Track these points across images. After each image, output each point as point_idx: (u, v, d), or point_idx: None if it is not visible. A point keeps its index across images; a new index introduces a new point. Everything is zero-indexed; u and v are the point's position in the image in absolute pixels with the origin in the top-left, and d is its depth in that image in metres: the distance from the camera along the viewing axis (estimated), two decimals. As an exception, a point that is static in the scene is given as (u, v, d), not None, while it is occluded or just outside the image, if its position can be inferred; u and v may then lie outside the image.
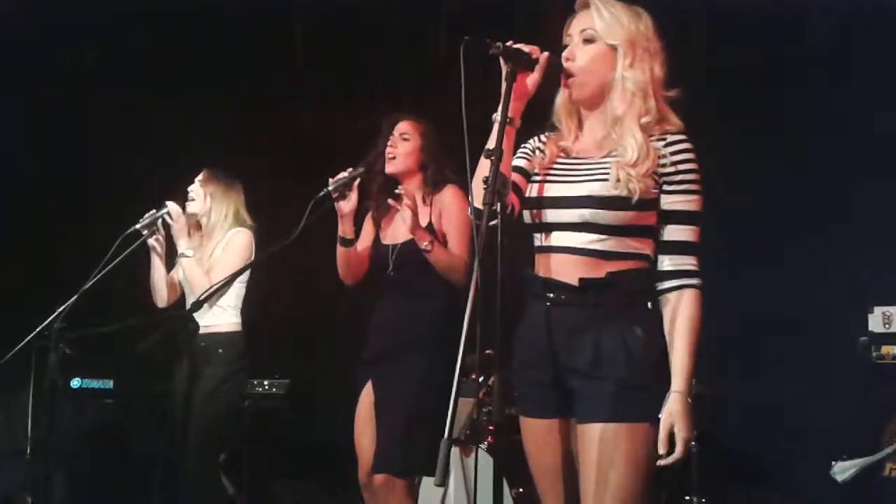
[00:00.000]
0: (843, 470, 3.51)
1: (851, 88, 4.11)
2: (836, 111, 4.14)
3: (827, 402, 4.02)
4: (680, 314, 2.11)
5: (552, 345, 2.14)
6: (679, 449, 2.05)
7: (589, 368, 2.10)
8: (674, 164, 2.12)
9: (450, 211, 3.37)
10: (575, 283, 2.12)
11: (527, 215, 2.22)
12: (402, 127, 3.45)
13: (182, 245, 3.78)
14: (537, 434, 2.21)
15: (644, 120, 2.13)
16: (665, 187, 2.12)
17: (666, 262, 2.14)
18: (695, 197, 2.13)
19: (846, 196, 4.12)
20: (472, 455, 3.83)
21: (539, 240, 2.22)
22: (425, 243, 3.20)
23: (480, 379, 4.11)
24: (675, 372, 2.09)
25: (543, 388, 2.17)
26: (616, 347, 2.09)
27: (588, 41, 2.18)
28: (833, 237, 4.12)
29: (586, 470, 2.09)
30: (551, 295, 2.15)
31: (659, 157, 2.11)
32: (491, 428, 3.95)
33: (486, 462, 3.59)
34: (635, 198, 2.08)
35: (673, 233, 2.14)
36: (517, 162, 2.24)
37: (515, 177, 2.21)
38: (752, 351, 4.26)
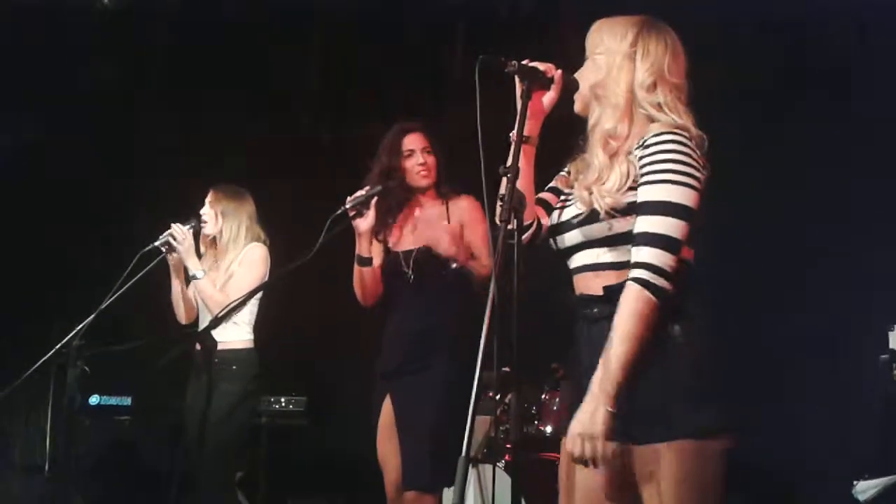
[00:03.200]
0: (864, 489, 3.47)
1: (872, 105, 4.09)
2: (857, 125, 4.12)
3: (848, 420, 3.98)
4: (617, 312, 1.93)
5: (592, 363, 2.03)
6: (570, 444, 1.94)
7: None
8: (643, 157, 2.02)
9: (472, 223, 3.38)
10: (600, 293, 2.08)
11: (553, 243, 2.22)
12: (421, 141, 3.44)
13: (192, 266, 3.79)
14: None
15: (607, 127, 2.09)
16: (638, 183, 2.02)
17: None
18: (662, 186, 1.96)
19: (867, 211, 4.09)
20: (491, 473, 3.81)
21: (567, 265, 2.21)
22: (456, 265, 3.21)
23: (498, 397, 4.10)
24: (598, 368, 1.94)
25: None
26: (654, 355, 1.95)
27: (586, 60, 2.20)
28: (853, 253, 4.09)
29: (649, 496, 1.97)
30: (585, 311, 2.12)
31: (635, 161, 2.03)
32: (509, 446, 3.93)
33: (503, 480, 3.57)
34: (602, 214, 2.02)
35: (636, 226, 1.99)
36: (553, 183, 2.28)
37: (547, 195, 2.24)
38: (772, 370, 4.23)
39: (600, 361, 1.94)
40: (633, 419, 1.96)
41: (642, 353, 1.91)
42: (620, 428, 1.96)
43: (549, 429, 4.07)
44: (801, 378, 4.19)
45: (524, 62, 2.12)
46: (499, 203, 2.01)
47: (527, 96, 2.09)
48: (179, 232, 3.77)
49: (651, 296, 1.92)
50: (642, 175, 2.00)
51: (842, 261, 4.10)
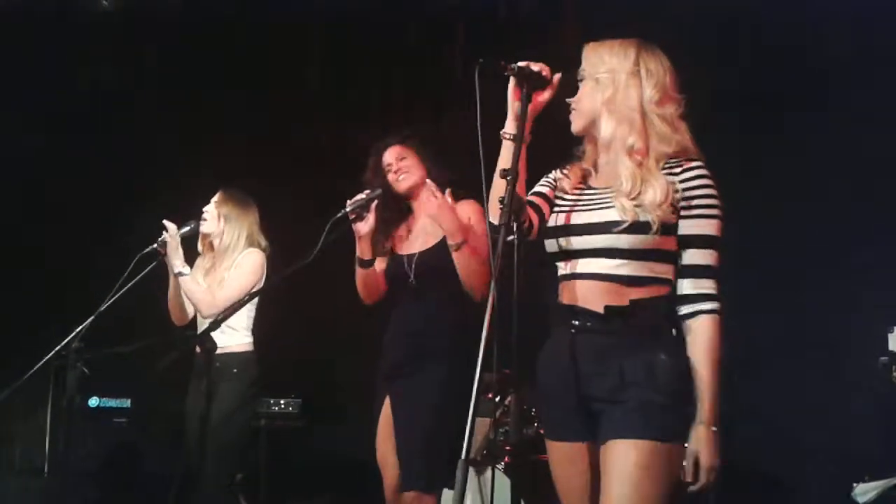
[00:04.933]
0: (864, 491, 3.47)
1: (871, 103, 4.09)
2: (857, 127, 4.12)
3: (847, 422, 3.98)
4: (699, 343, 2.14)
5: (577, 371, 2.16)
6: (703, 478, 2.08)
7: (614, 394, 2.12)
8: (689, 188, 2.16)
9: (474, 225, 3.33)
10: (600, 310, 2.15)
11: (552, 244, 2.26)
12: (395, 152, 3.46)
13: (177, 265, 3.78)
14: (562, 457, 2.23)
15: (629, 142, 2.19)
16: (682, 213, 2.16)
17: (684, 286, 2.17)
18: (711, 221, 2.18)
19: (867, 213, 4.09)
20: (490, 475, 3.81)
21: (563, 268, 2.25)
22: (457, 241, 3.18)
23: (497, 398, 4.10)
24: (700, 401, 2.11)
25: (568, 412, 2.19)
26: (640, 373, 2.11)
27: (580, 80, 2.27)
28: (853, 254, 4.09)
29: (607, 489, 2.10)
30: (576, 322, 2.18)
31: (676, 185, 2.16)
32: (508, 448, 3.93)
33: (502, 482, 3.57)
34: (655, 227, 2.12)
35: (690, 257, 2.17)
36: (540, 189, 2.32)
37: (536, 199, 2.27)
38: (772, 371, 4.23)
39: (701, 392, 2.11)
40: (616, 418, 2.11)
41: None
42: (597, 427, 2.15)
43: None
44: (800, 379, 4.19)
45: (521, 64, 2.14)
46: (498, 205, 2.02)
47: (527, 99, 2.14)
48: (171, 228, 3.77)
49: (721, 321, 2.15)
50: (689, 207, 2.16)
51: (842, 261, 4.10)
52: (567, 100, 2.27)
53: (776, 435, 4.18)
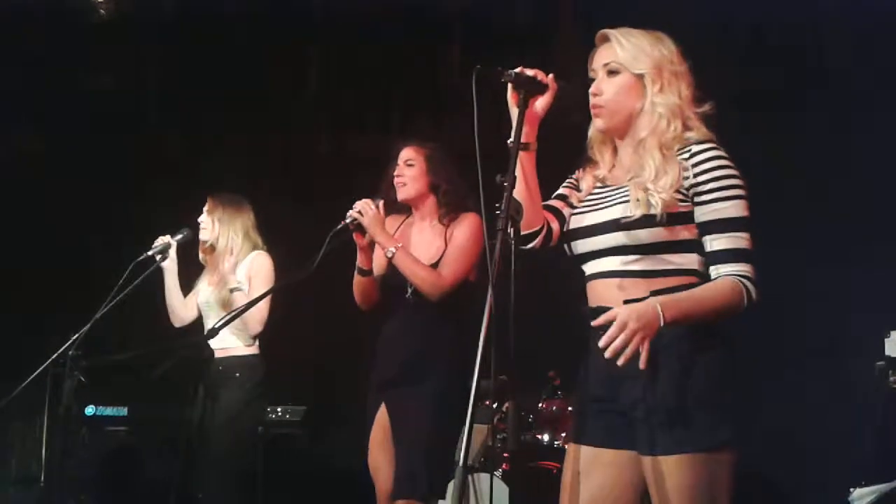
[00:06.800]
0: (861, 496, 3.47)
1: (874, 107, 4.10)
2: (860, 132, 4.13)
3: (845, 427, 3.98)
4: (712, 283, 2.05)
5: (607, 372, 2.07)
6: (611, 331, 1.93)
7: (643, 396, 2.04)
8: (698, 174, 2.09)
9: (457, 234, 3.34)
10: (619, 306, 2.07)
11: (568, 248, 2.23)
12: (405, 154, 3.44)
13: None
14: (585, 462, 2.14)
15: (665, 137, 2.12)
16: (696, 199, 2.09)
17: (712, 273, 2.08)
18: (729, 203, 2.07)
19: (865, 218, 4.10)
20: (488, 482, 3.81)
21: (584, 270, 2.22)
22: (390, 249, 3.21)
23: (495, 405, 4.10)
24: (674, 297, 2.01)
25: (600, 415, 2.14)
26: (670, 369, 2.03)
27: (613, 73, 2.18)
28: (852, 261, 4.09)
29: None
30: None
31: (682, 171, 2.09)
32: (506, 455, 3.93)
33: (501, 489, 3.57)
34: (659, 214, 2.06)
35: (713, 244, 2.08)
36: (561, 191, 2.30)
37: (556, 202, 2.26)
38: (769, 376, 4.23)
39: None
40: (650, 430, 2.03)
41: (703, 318, 2.03)
42: (635, 437, 2.06)
43: (545, 437, 4.07)
44: (798, 384, 4.19)
45: (518, 70, 2.13)
46: (496, 212, 2.02)
47: (524, 105, 2.11)
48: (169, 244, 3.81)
49: (745, 302, 2.04)
50: (702, 192, 2.08)
51: (841, 264, 4.11)
52: (592, 93, 2.20)
53: (773, 440, 4.18)
